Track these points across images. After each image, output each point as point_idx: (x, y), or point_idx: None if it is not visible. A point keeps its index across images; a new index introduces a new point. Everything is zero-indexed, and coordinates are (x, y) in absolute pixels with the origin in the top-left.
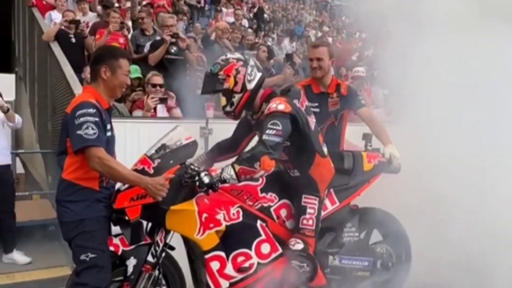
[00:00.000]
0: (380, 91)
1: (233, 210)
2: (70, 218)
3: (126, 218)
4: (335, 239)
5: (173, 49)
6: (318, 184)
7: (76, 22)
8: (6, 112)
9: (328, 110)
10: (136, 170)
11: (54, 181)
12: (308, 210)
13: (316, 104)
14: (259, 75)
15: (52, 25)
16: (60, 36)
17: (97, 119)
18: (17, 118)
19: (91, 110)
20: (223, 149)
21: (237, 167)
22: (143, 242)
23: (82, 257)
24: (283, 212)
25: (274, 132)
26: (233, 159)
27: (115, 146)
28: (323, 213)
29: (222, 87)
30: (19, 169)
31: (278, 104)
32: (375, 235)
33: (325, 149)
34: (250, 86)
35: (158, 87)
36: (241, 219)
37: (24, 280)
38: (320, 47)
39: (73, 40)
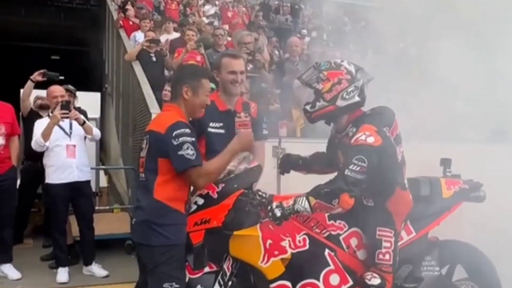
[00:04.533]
0: None
1: (299, 237)
2: (161, 242)
3: (189, 242)
4: (412, 272)
5: (249, 66)
6: (394, 217)
7: (156, 42)
8: (82, 124)
9: (235, 131)
10: (200, 195)
11: (134, 195)
12: (384, 244)
13: (221, 124)
14: (356, 99)
15: (136, 45)
16: (141, 55)
17: (193, 139)
18: (95, 131)
19: (188, 130)
20: (322, 162)
21: (313, 200)
22: (209, 270)
23: (166, 285)
24: (354, 242)
25: (358, 168)
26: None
27: None
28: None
29: (316, 85)
30: (103, 182)
31: (368, 137)
32: (460, 272)
33: (406, 181)
34: (340, 103)
35: None
36: (307, 246)
37: None
38: (241, 58)
39: (154, 59)
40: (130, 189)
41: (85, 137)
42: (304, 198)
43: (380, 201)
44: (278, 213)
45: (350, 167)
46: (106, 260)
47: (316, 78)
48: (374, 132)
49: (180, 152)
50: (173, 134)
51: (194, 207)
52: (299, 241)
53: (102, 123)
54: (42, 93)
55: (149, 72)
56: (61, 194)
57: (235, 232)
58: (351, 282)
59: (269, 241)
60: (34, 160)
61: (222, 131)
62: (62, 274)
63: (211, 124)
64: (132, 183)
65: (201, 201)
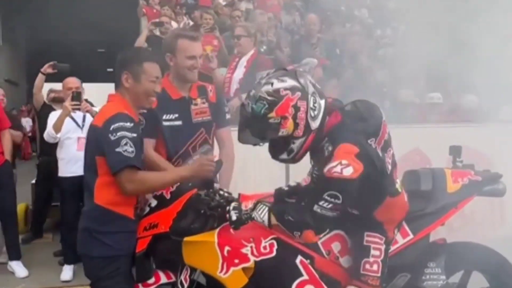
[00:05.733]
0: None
1: (265, 242)
2: (103, 253)
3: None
4: (410, 282)
5: (263, 48)
6: (384, 225)
7: (160, 24)
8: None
9: (193, 121)
10: (155, 196)
11: None
12: (372, 252)
13: (177, 115)
14: (323, 103)
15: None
16: (153, 42)
17: (134, 135)
18: None
19: (127, 124)
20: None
21: (273, 219)
22: (166, 280)
23: None
24: (336, 247)
25: (330, 206)
26: None
27: None
28: (391, 247)
29: (277, 134)
30: None
31: (344, 168)
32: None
33: (397, 185)
34: (315, 124)
35: None
36: (274, 253)
37: None
38: (200, 40)
39: None
40: None
41: None
42: (266, 210)
43: (366, 212)
44: (233, 216)
45: (320, 203)
46: None
47: (269, 128)
48: (353, 158)
49: (117, 149)
50: (111, 128)
51: (147, 209)
52: (265, 247)
53: None
54: (54, 85)
55: (162, 58)
56: (71, 188)
57: (186, 238)
58: None
59: (227, 248)
60: (49, 155)
61: (178, 122)
62: (66, 272)
63: (164, 117)
64: None
65: (154, 203)
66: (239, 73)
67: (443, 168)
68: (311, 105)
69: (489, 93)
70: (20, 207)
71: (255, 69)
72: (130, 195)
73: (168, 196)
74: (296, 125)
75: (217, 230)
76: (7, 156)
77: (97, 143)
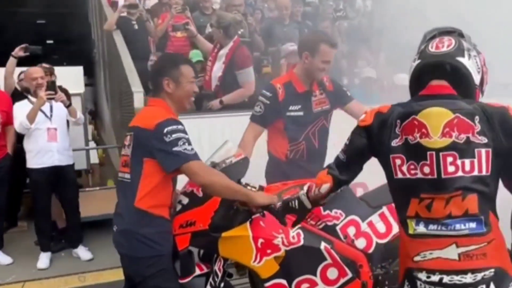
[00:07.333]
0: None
1: (292, 232)
2: (148, 253)
3: (175, 247)
4: None
5: (240, 31)
6: None
7: (134, 7)
8: (67, 106)
9: (313, 111)
10: (185, 193)
11: None
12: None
13: (300, 106)
14: None
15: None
16: (122, 23)
17: (187, 136)
18: (79, 114)
19: (181, 127)
20: None
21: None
22: (199, 272)
23: None
24: (351, 231)
25: (343, 146)
26: None
27: None
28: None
29: None
30: (94, 159)
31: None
32: None
33: (410, 224)
34: None
35: None
36: (302, 242)
37: (96, 282)
38: (336, 48)
39: (136, 26)
40: None
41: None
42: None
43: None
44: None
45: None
46: (94, 242)
47: None
48: (373, 112)
49: (176, 148)
50: (165, 131)
51: (179, 206)
52: (293, 237)
53: (94, 91)
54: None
55: (132, 41)
56: (42, 179)
57: (223, 234)
58: (350, 275)
59: (260, 240)
60: (21, 143)
61: (300, 113)
62: (43, 260)
63: (290, 108)
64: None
65: (185, 200)
66: (218, 68)
67: None
68: None
69: None
70: None
71: (234, 65)
72: (204, 186)
73: (200, 194)
74: None
75: (248, 224)
76: (10, 150)
77: (147, 146)
